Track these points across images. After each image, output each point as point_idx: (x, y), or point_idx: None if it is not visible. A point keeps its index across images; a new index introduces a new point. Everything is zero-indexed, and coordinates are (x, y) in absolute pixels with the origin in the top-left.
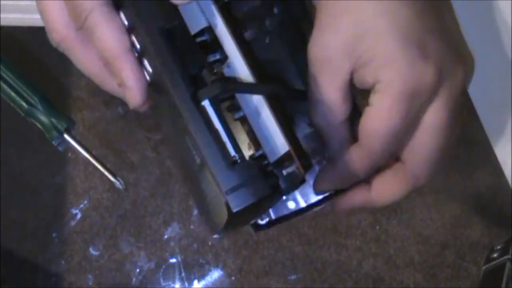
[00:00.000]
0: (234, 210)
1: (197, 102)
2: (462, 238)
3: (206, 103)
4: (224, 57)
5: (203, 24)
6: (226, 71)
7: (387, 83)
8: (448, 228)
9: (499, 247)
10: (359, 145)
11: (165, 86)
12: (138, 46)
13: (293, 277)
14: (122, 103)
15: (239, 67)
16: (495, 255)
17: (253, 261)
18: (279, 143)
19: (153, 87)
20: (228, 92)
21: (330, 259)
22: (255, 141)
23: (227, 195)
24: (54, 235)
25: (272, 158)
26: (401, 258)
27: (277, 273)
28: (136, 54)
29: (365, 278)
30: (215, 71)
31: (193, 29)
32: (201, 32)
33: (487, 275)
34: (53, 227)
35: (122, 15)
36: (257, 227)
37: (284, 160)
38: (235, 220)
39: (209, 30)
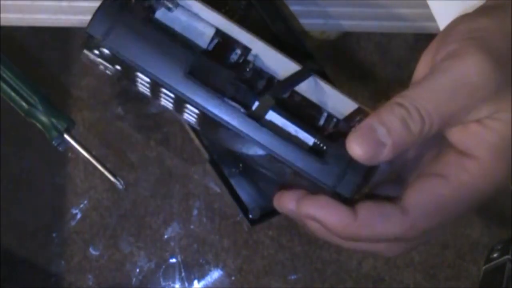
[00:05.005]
0: (349, 195)
1: (259, 120)
2: (462, 238)
3: (268, 116)
4: (245, 49)
5: (210, 32)
6: (258, 63)
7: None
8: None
9: (499, 247)
10: (404, 213)
11: (217, 122)
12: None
13: (293, 277)
14: (121, 103)
15: (268, 54)
16: (495, 255)
17: (253, 261)
18: (344, 104)
19: (206, 126)
20: (280, 94)
21: (330, 259)
22: (314, 107)
23: (336, 188)
24: (54, 235)
25: (340, 116)
26: (401, 258)
27: (277, 273)
28: (172, 105)
29: (365, 278)
30: (247, 69)
31: (202, 43)
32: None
33: (487, 275)
34: (53, 227)
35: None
36: (252, 221)
37: (354, 115)
38: (353, 196)
39: (218, 32)
